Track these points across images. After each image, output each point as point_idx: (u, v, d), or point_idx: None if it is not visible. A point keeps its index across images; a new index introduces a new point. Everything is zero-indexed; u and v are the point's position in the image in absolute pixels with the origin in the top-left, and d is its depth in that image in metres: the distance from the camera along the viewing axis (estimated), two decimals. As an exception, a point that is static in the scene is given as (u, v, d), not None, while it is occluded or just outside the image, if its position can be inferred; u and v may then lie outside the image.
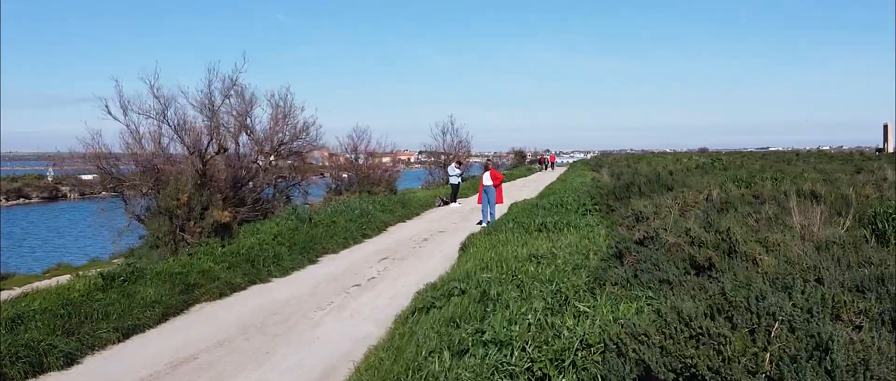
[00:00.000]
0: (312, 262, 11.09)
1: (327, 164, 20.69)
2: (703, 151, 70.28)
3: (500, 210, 17.01)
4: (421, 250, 12.29)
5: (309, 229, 12.45)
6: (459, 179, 22.71)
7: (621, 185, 12.96)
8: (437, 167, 33.49)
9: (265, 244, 10.85)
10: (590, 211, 13.01)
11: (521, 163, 60.14)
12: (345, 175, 20.42)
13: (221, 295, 8.58)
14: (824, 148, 64.99)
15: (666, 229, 6.84)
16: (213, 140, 11.32)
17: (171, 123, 10.94)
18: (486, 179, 16.02)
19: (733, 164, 23.37)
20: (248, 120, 14.71)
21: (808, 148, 66.76)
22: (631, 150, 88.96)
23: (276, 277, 9.80)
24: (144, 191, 10.50)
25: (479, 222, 16.28)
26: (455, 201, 22.24)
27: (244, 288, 9.00)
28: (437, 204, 22.23)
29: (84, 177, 14.96)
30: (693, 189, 11.91)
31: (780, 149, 73.26)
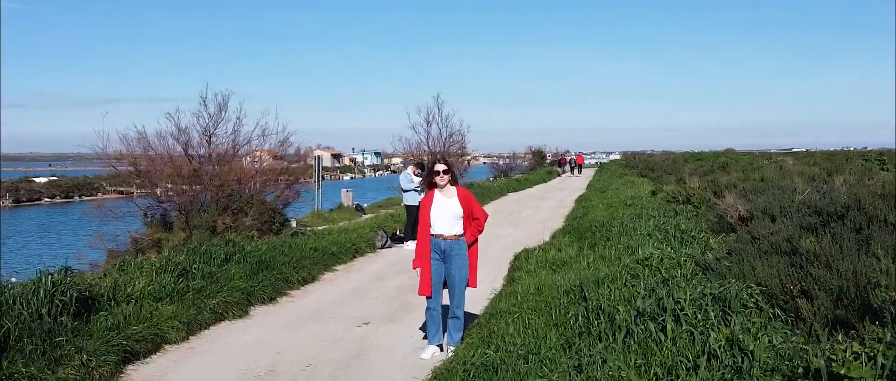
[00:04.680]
0: None
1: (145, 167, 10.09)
2: (729, 151, 61.17)
3: (476, 299, 6.51)
4: None
5: None
6: (420, 196, 12.13)
7: None
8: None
9: None
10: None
11: (541, 165, 49.44)
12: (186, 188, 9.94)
13: None
14: (850, 149, 55.48)
15: None
16: None
17: None
18: (439, 218, 5.37)
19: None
20: None
21: (827, 149, 56.81)
22: (652, 151, 77.96)
23: None
24: None
25: (421, 331, 5.80)
26: (413, 237, 11.72)
27: None
28: (379, 242, 11.76)
29: None
30: None
31: (805, 150, 63.45)
